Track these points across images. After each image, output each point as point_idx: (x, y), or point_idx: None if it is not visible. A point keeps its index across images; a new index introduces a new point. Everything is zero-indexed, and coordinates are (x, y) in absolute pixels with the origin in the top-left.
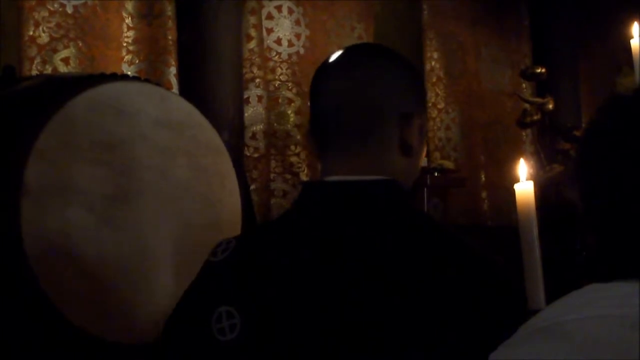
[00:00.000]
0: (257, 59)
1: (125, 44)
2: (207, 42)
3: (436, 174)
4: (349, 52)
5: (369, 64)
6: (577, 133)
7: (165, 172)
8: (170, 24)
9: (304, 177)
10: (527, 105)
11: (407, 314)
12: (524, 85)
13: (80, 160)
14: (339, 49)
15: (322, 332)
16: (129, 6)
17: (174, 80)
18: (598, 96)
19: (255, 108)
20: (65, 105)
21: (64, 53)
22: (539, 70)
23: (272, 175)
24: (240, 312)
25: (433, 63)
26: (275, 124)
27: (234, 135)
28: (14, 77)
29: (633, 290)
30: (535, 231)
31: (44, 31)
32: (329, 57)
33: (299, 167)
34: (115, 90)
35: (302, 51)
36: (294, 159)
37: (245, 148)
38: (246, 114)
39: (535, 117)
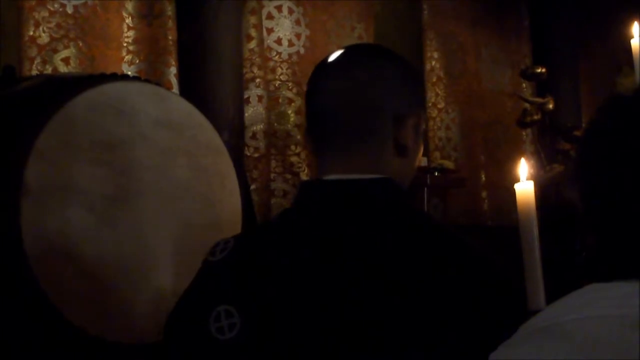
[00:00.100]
0: (257, 59)
1: (125, 44)
2: (207, 42)
3: (436, 174)
4: (348, 52)
5: (369, 65)
6: (577, 133)
7: (165, 172)
8: (171, 24)
9: (304, 177)
10: (527, 105)
11: (407, 314)
12: (524, 85)
13: (80, 160)
14: (339, 49)
15: (322, 331)
16: (129, 6)
17: (174, 80)
18: (598, 96)
19: (255, 108)
20: (66, 105)
21: (64, 53)
22: (539, 70)
23: (272, 175)
24: (239, 311)
25: (433, 63)
26: (275, 124)
27: (234, 135)
28: (14, 77)
29: (633, 291)
30: (535, 231)
31: (44, 31)
32: (327, 57)
33: (299, 167)
34: (115, 91)
35: (302, 51)
36: (294, 158)
37: (246, 148)
38: (246, 114)
39: (536, 117)
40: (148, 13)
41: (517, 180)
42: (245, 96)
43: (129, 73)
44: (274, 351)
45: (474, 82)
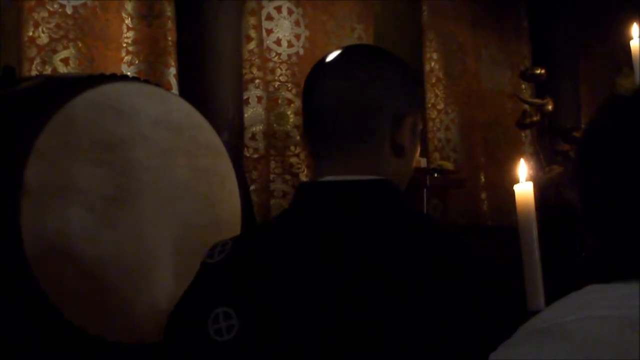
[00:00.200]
0: (256, 60)
1: (124, 45)
2: (207, 43)
3: (436, 175)
4: (346, 52)
5: (370, 65)
6: (576, 134)
7: (165, 173)
8: (170, 24)
9: (303, 178)
10: (526, 106)
11: (407, 314)
12: (523, 86)
13: (80, 161)
14: (337, 49)
15: (322, 331)
16: (129, 7)
17: (173, 81)
18: (598, 96)
19: (254, 109)
20: (65, 105)
21: (63, 54)
22: (538, 72)
23: (271, 176)
24: (238, 313)
25: (433, 64)
26: (274, 125)
27: (233, 136)
28: (13, 78)
29: (633, 291)
30: (534, 232)
31: (43, 32)
32: (325, 57)
33: (299, 168)
34: (115, 91)
35: (301, 52)
36: (293, 159)
37: (245, 149)
38: (246, 115)
39: (535, 118)
40: (148, 14)
41: (517, 181)
42: (245, 97)
43: (129, 74)
44: (273, 352)
45: (474, 82)
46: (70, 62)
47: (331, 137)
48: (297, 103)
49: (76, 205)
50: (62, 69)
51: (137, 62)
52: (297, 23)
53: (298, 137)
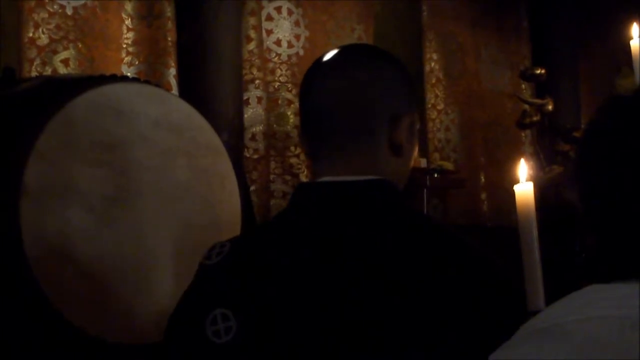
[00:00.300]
0: (256, 60)
1: (124, 45)
2: (207, 44)
3: (436, 175)
4: (344, 51)
5: (369, 65)
6: (576, 134)
7: (165, 173)
8: (170, 25)
9: (303, 179)
10: (526, 106)
11: (407, 314)
12: (523, 86)
13: (80, 161)
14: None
15: (322, 331)
16: (129, 7)
17: (173, 82)
18: (598, 96)
19: (254, 109)
20: (65, 106)
21: (63, 54)
22: (538, 72)
23: (271, 177)
24: (236, 314)
25: (433, 64)
26: (274, 125)
27: (233, 137)
28: (13, 79)
29: (633, 291)
30: (534, 232)
31: (43, 33)
32: (322, 56)
33: (299, 169)
34: (115, 92)
35: (301, 52)
36: (293, 160)
37: (245, 149)
38: (246, 115)
39: (535, 118)
40: (148, 14)
41: (517, 182)
42: (245, 97)
43: (129, 74)
44: (273, 352)
45: (474, 82)
46: (71, 62)
47: (329, 137)
48: (297, 103)
49: (76, 205)
50: (62, 70)
51: (137, 62)
52: (297, 23)
53: (298, 138)
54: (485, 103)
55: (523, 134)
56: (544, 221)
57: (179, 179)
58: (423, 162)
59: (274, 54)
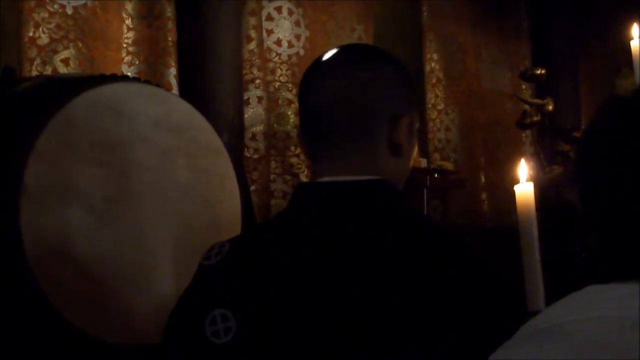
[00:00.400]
0: (257, 60)
1: (125, 45)
2: (207, 44)
3: (436, 176)
4: (344, 51)
5: (369, 65)
6: (576, 134)
7: (165, 173)
8: (170, 25)
9: (303, 178)
10: (526, 107)
11: (407, 314)
12: (523, 86)
13: (80, 161)
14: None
15: (322, 331)
16: (129, 7)
17: (173, 82)
18: (598, 96)
19: (255, 109)
20: (65, 106)
21: (63, 54)
22: (538, 72)
23: (272, 177)
24: (235, 314)
25: (433, 64)
26: (275, 125)
27: (234, 136)
28: (14, 78)
29: (632, 292)
30: (535, 232)
31: (44, 32)
32: (321, 56)
33: (299, 168)
34: (115, 92)
35: (302, 52)
36: (294, 160)
37: (245, 149)
38: (246, 115)
39: (535, 119)
40: (148, 14)
41: (517, 182)
42: (245, 97)
43: (129, 74)
44: (272, 352)
45: (474, 83)
46: (71, 62)
47: (329, 137)
48: (297, 103)
49: (76, 205)
50: (63, 70)
51: (137, 62)
52: (297, 23)
53: (297, 138)
54: (486, 103)
55: (523, 134)
56: (544, 221)
57: (179, 179)
58: (423, 162)
59: (274, 54)
